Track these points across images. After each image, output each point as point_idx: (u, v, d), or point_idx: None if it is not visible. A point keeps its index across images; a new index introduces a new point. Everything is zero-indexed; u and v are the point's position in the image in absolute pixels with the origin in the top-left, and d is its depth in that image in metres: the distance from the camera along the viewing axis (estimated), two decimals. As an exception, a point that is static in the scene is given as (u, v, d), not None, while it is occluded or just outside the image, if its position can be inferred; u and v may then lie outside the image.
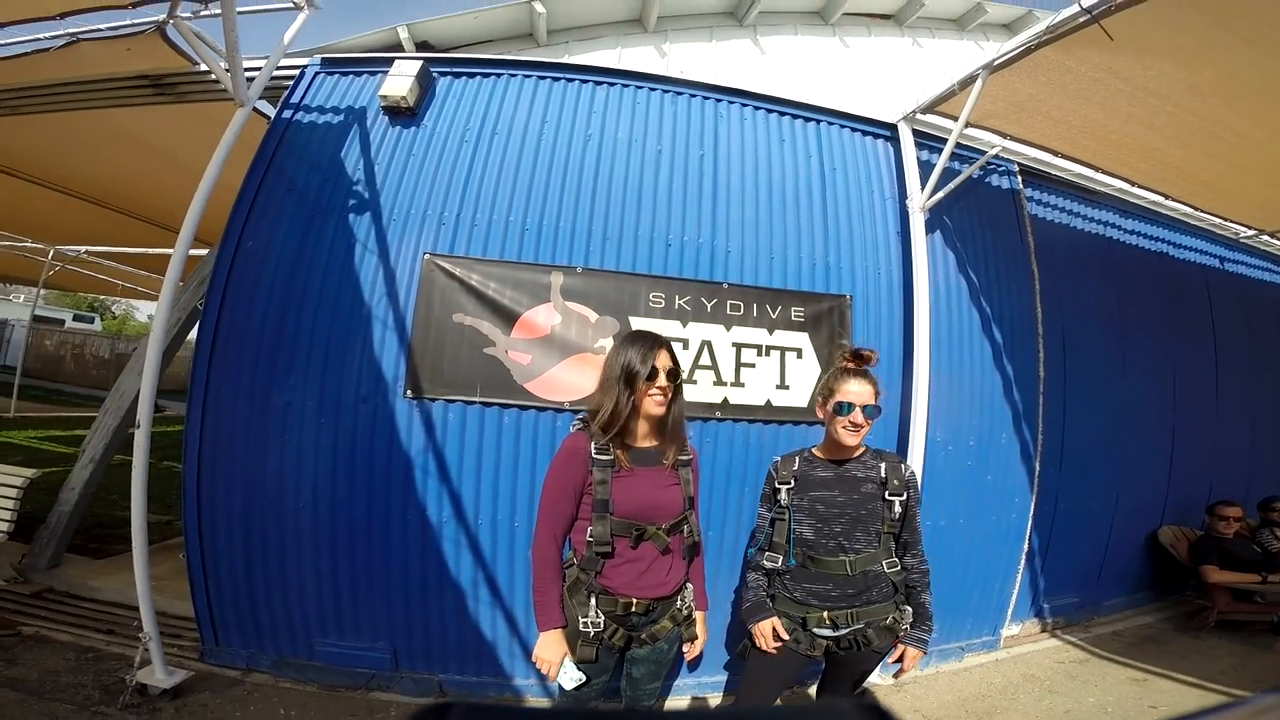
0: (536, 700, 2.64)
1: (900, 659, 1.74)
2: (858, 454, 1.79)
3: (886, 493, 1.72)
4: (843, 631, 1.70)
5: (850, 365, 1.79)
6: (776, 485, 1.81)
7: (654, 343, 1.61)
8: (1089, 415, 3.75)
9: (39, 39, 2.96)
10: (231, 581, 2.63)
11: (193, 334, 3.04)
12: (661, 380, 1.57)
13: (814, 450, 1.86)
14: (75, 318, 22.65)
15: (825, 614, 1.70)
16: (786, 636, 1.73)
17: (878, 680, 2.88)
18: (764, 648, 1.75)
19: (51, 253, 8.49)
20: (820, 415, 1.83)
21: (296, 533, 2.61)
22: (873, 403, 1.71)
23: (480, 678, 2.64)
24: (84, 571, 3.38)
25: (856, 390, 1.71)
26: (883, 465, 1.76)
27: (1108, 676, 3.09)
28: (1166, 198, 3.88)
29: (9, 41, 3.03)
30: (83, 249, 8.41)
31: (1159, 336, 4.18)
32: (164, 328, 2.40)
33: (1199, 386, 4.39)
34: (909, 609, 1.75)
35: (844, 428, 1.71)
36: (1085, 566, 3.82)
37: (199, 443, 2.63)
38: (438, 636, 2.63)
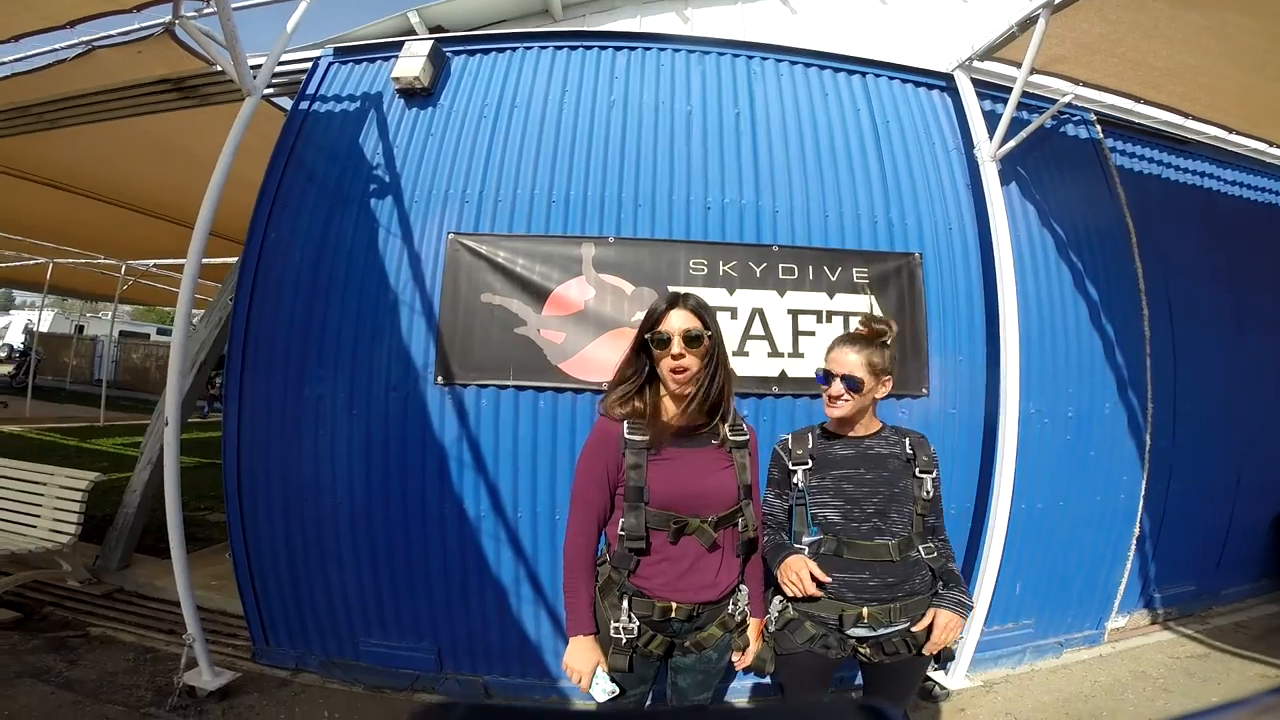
0: (583, 704, 2.48)
1: (929, 632, 1.43)
2: (877, 430, 1.59)
3: (916, 469, 1.53)
4: (881, 632, 1.45)
5: (860, 331, 1.60)
6: (790, 467, 1.57)
7: (663, 302, 1.35)
8: (1203, 381, 3.28)
9: (55, 49, 2.99)
10: (276, 581, 2.61)
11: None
12: (675, 347, 1.30)
13: (825, 426, 1.64)
14: (159, 331, 24.19)
15: (864, 611, 1.44)
16: (825, 579, 1.42)
17: (966, 683, 2.57)
18: (804, 591, 1.40)
19: (124, 268, 9.00)
20: None
21: (335, 530, 2.56)
22: (857, 374, 1.48)
23: (526, 678, 2.52)
24: (151, 571, 3.47)
25: (839, 359, 1.52)
26: (906, 441, 1.57)
27: (1232, 673, 2.71)
28: (1271, 144, 3.41)
29: (28, 54, 3.08)
30: (151, 262, 8.87)
31: (1276, 293, 3.67)
32: (185, 322, 2.39)
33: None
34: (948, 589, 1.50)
35: (825, 400, 1.55)
36: (1202, 550, 3.38)
37: (237, 441, 2.62)
38: (480, 636, 2.52)
